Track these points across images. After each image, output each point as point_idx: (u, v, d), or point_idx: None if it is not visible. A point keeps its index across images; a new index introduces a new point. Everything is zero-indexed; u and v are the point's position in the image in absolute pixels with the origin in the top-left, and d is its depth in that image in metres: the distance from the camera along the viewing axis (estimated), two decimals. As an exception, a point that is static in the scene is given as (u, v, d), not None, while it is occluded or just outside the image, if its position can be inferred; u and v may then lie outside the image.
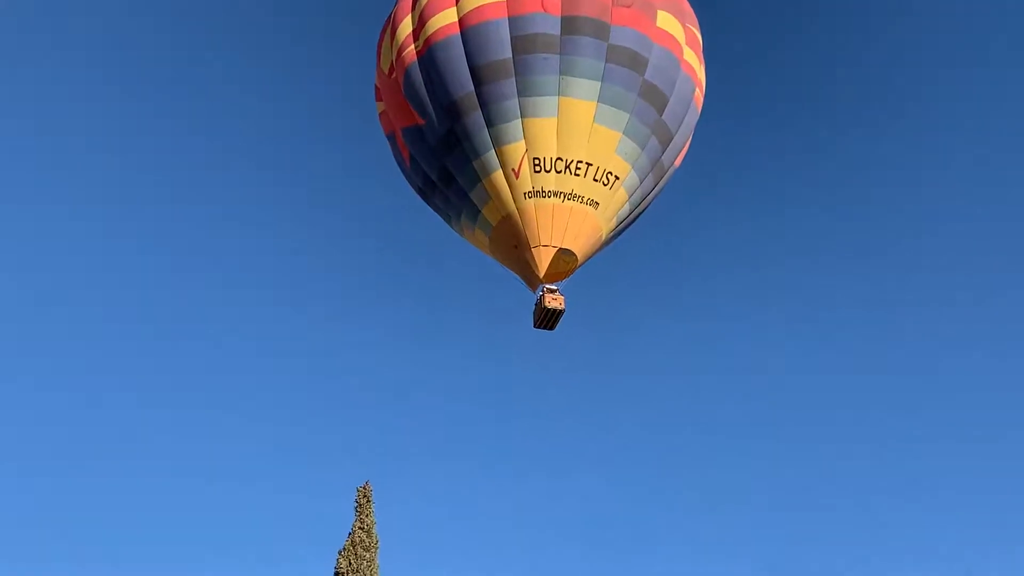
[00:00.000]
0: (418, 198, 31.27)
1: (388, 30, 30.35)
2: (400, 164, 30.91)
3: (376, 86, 31.10)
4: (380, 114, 31.06)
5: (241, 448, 52.63)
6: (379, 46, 30.76)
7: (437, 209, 30.77)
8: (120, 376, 55.60)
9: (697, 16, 31.58)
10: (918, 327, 58.75)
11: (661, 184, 30.81)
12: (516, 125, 28.26)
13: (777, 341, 59.72)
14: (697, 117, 31.06)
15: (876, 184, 63.67)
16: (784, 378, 57.97)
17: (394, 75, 29.76)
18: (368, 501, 27.95)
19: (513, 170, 28.36)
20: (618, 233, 30.57)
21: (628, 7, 28.98)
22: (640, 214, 31.06)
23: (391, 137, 30.73)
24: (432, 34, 28.92)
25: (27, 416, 53.01)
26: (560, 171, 28.32)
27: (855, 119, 64.59)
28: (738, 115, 64.75)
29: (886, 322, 59.54)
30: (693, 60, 30.24)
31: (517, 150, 28.30)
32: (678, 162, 31.18)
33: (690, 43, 30.28)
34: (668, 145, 29.81)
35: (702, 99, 31.14)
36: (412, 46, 29.33)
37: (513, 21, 28.39)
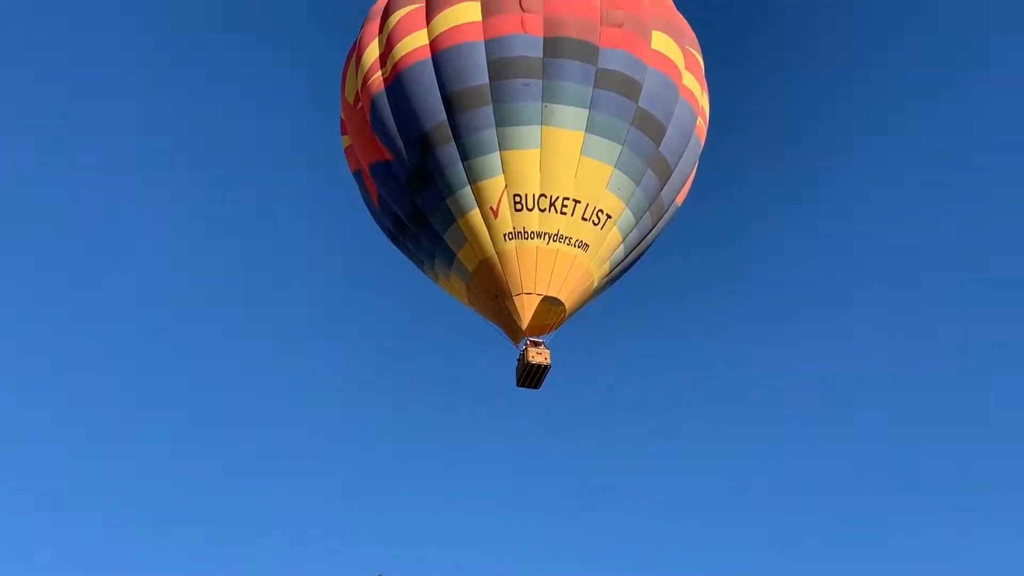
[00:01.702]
0: (389, 242, 28.20)
1: (353, 56, 27.44)
2: (368, 204, 27.88)
3: (341, 119, 28.14)
4: (346, 149, 28.08)
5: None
6: (344, 74, 27.83)
7: (409, 254, 27.67)
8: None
9: (699, 39, 28.61)
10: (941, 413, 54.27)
11: (661, 224, 27.63)
12: (494, 158, 25.19)
13: (789, 400, 55.36)
14: (700, 149, 27.93)
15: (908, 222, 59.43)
16: (793, 447, 53.52)
17: (360, 105, 26.79)
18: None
19: (491, 208, 25.25)
20: (613, 279, 27.37)
21: (619, 27, 25.97)
22: (638, 258, 27.87)
23: (358, 174, 27.72)
24: (400, 59, 25.95)
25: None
26: (544, 209, 25.20)
27: (884, 154, 60.54)
28: (746, 147, 60.81)
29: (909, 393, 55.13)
30: (694, 86, 27.15)
31: (495, 186, 25.21)
32: (680, 199, 28.01)
33: (690, 67, 27.21)
34: (667, 180, 26.66)
35: (705, 129, 28.02)
36: (379, 73, 26.37)
37: (490, 43, 25.43)
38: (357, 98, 26.92)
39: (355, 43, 27.58)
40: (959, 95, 59.85)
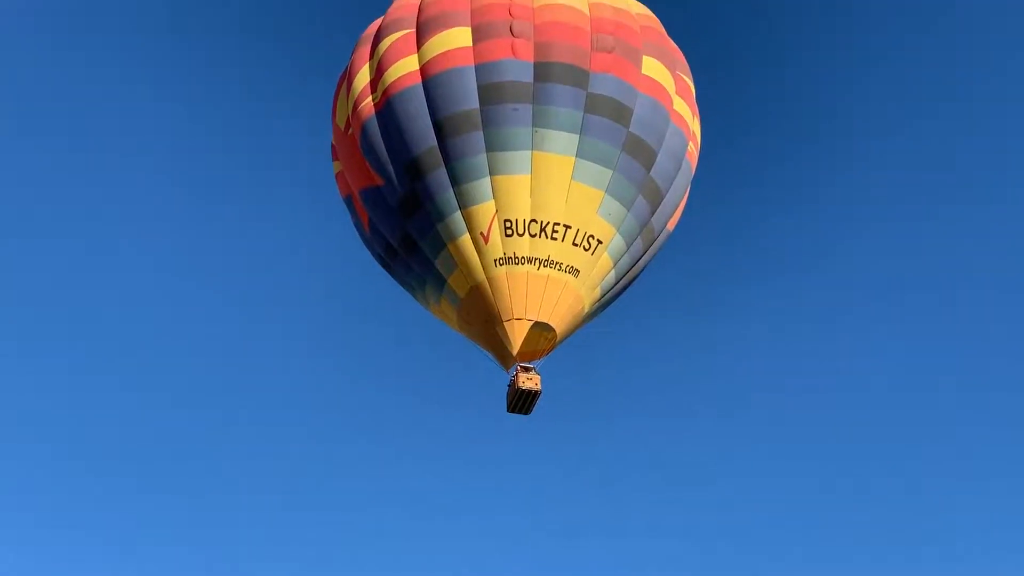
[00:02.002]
0: (380, 267, 28.06)
1: (344, 82, 27.42)
2: (359, 229, 27.77)
3: (332, 144, 28.08)
4: (337, 175, 27.99)
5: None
6: (335, 99, 27.80)
7: (399, 279, 27.53)
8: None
9: (691, 64, 28.60)
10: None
11: (653, 249, 27.52)
12: (484, 183, 25.12)
13: (780, 433, 54.89)
14: (691, 175, 27.86)
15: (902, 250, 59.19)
16: (783, 482, 52.88)
17: (350, 131, 26.73)
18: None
19: (482, 234, 25.16)
20: (604, 305, 27.24)
21: (609, 52, 25.97)
22: (629, 283, 27.76)
23: (348, 200, 27.64)
24: (391, 84, 25.93)
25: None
26: (535, 235, 25.11)
27: (882, 185, 60.31)
28: (738, 173, 60.50)
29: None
30: (685, 111, 27.12)
31: (486, 211, 25.12)
32: (671, 225, 27.91)
33: (681, 92, 27.19)
34: (658, 206, 26.59)
35: (696, 155, 27.98)
36: (369, 98, 26.34)
37: (480, 68, 25.42)
38: (348, 123, 26.86)
39: (346, 68, 27.60)
40: (957, 112, 60.18)
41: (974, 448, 52.34)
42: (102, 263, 57.88)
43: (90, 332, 55.17)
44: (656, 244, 27.50)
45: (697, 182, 28.73)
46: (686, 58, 28.54)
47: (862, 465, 51.97)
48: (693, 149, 27.63)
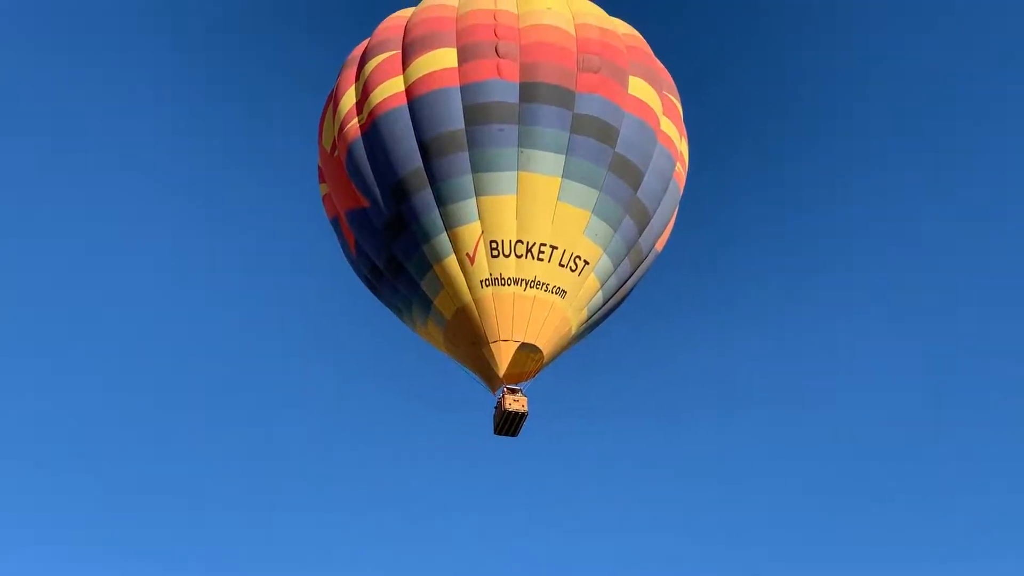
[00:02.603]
0: (367, 290, 27.90)
1: (330, 103, 27.37)
2: (345, 251, 27.62)
3: (319, 166, 27.99)
4: (324, 197, 27.89)
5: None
6: (321, 122, 27.74)
7: (386, 301, 27.38)
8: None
9: (679, 85, 28.55)
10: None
11: (641, 270, 27.38)
12: (470, 204, 25.01)
13: (774, 442, 54.46)
14: (679, 195, 27.75)
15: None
16: (770, 496, 52.40)
17: (336, 153, 26.65)
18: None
19: (468, 255, 25.01)
20: (592, 326, 27.08)
21: (595, 72, 25.90)
22: (617, 304, 27.59)
23: (335, 222, 27.51)
24: (376, 105, 25.86)
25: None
26: (521, 255, 24.96)
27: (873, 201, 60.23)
28: (726, 193, 60.33)
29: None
30: (672, 131, 27.03)
31: (472, 232, 25.00)
32: (660, 246, 27.78)
33: (668, 113, 27.12)
34: (646, 226, 26.45)
35: (684, 175, 27.87)
36: (356, 120, 26.27)
37: (466, 89, 25.34)
38: (334, 145, 26.78)
39: (332, 90, 27.54)
40: (958, 112, 60.21)
41: (974, 448, 52.50)
42: (78, 275, 57.86)
43: (66, 335, 55.22)
44: (644, 265, 27.36)
45: (685, 202, 28.68)
46: (673, 78, 28.52)
47: (856, 471, 52.10)
48: (680, 169, 27.52)
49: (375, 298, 27.81)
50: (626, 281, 26.90)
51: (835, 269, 58.85)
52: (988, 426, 52.63)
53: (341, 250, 27.94)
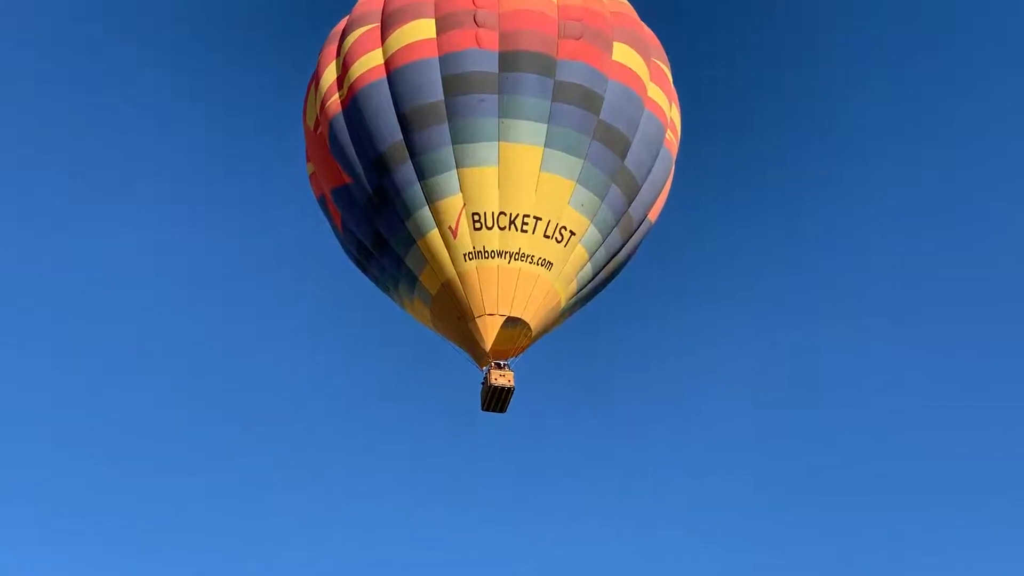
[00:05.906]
0: (356, 269, 27.59)
1: (313, 82, 27.06)
2: (333, 230, 27.33)
3: (305, 145, 27.72)
4: (310, 176, 27.61)
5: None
6: (305, 101, 27.45)
7: (374, 279, 27.05)
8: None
9: (673, 54, 27.91)
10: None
11: (633, 241, 26.76)
12: (451, 176, 24.56)
13: (766, 423, 53.32)
14: (671, 164, 27.09)
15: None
16: (769, 481, 51.23)
17: (320, 130, 26.36)
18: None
19: (450, 228, 24.58)
20: (583, 299, 26.53)
21: (577, 39, 25.35)
22: (610, 277, 27.01)
23: (322, 200, 27.21)
24: (356, 80, 25.52)
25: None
26: (504, 227, 24.48)
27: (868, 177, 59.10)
28: (724, 163, 59.25)
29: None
30: (660, 98, 26.36)
31: (453, 205, 24.55)
32: (653, 216, 27.14)
33: (656, 79, 26.47)
34: (635, 196, 25.82)
35: (676, 143, 27.21)
36: (336, 95, 25.94)
37: (444, 59, 24.91)
38: (317, 123, 26.50)
39: (315, 68, 27.22)
40: (955, 113, 59.33)
41: (974, 448, 51.83)
42: (65, 268, 57.95)
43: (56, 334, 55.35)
44: (637, 236, 26.75)
45: (681, 171, 28.04)
46: (668, 46, 27.89)
47: (853, 469, 51.31)
48: (672, 137, 26.85)
49: (364, 277, 27.49)
50: (617, 252, 26.29)
51: (842, 246, 58.20)
52: (988, 426, 52.04)
53: (329, 229, 27.66)
